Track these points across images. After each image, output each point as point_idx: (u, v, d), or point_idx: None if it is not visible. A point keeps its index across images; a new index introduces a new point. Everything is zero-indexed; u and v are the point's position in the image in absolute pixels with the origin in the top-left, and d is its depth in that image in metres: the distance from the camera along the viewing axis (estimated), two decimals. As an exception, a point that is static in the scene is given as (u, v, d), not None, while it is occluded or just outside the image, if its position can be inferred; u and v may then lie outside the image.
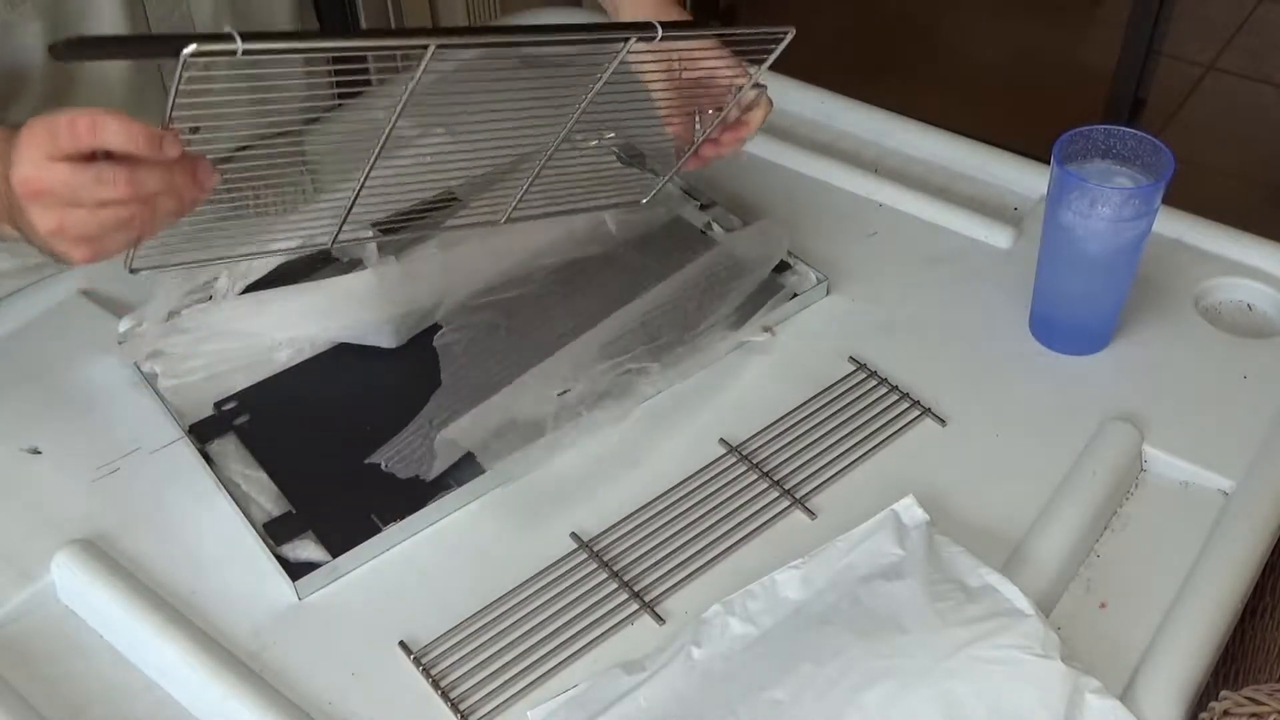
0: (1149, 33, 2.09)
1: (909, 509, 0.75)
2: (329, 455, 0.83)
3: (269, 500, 0.80)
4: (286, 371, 0.89)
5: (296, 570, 0.75)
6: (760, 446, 0.82)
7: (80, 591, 0.75)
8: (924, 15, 2.68)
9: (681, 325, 0.90)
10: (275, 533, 0.77)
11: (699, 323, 0.90)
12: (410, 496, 0.79)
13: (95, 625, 0.75)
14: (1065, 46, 2.60)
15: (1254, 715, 0.62)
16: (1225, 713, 0.63)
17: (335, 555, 0.76)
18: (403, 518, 0.78)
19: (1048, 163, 0.84)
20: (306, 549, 0.77)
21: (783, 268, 0.96)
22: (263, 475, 0.82)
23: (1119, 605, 0.74)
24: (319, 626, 0.74)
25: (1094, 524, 0.77)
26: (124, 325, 0.90)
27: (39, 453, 0.85)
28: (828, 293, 0.95)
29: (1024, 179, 1.05)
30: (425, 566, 0.76)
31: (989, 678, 0.65)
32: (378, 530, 0.77)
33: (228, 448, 0.84)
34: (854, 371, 0.87)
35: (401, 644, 0.71)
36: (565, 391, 0.85)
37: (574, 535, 0.76)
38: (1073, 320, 0.89)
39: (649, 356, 0.87)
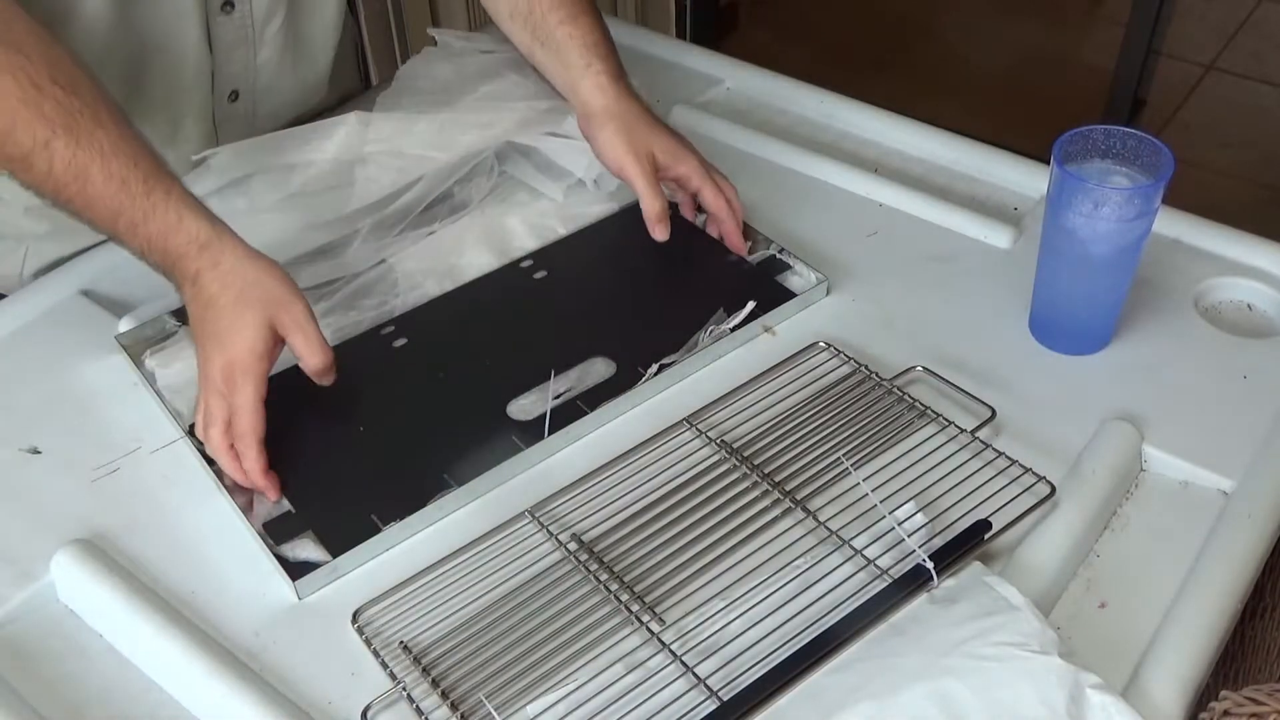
0: (1149, 33, 2.09)
1: (909, 515, 0.75)
2: (329, 455, 0.83)
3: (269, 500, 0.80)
4: (286, 371, 0.88)
5: (296, 570, 0.75)
6: (760, 448, 0.82)
7: (80, 591, 0.75)
8: (924, 15, 2.68)
9: (680, 325, 0.90)
10: (275, 533, 0.78)
11: (699, 322, 0.90)
12: (410, 496, 0.79)
13: (95, 625, 0.75)
14: (1065, 46, 2.60)
15: (1254, 715, 0.62)
16: (1225, 713, 0.63)
17: (335, 555, 0.76)
18: (403, 518, 0.78)
19: (1048, 163, 0.84)
20: (306, 549, 0.77)
21: (782, 268, 0.96)
22: (263, 475, 0.82)
23: (1119, 605, 0.74)
24: (319, 626, 0.74)
25: (1093, 524, 0.77)
26: (124, 325, 0.90)
27: (39, 453, 0.85)
28: (828, 293, 0.95)
29: (1024, 179, 1.05)
30: (425, 566, 0.76)
31: (986, 674, 0.65)
32: (377, 530, 0.77)
33: (228, 448, 0.84)
34: (854, 373, 0.87)
35: (402, 644, 0.71)
36: (563, 393, 0.85)
37: (574, 536, 0.76)
38: (1073, 320, 0.89)
39: (649, 358, 0.88)
